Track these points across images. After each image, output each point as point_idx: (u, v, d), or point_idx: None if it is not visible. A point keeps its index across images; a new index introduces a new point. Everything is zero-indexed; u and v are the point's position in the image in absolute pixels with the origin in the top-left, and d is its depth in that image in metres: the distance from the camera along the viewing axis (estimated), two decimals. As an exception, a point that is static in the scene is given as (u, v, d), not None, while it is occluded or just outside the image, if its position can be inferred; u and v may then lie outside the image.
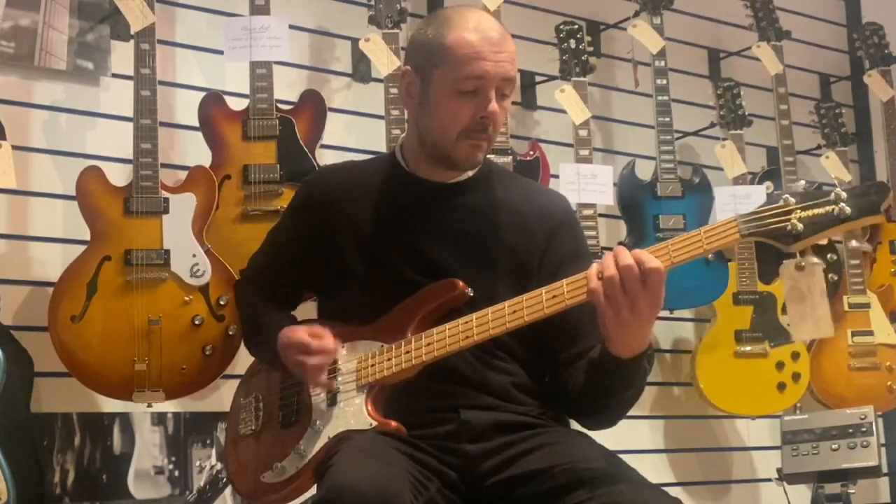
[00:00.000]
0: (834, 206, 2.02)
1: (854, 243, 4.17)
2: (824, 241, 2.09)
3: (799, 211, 2.03)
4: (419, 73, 2.33)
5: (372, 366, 2.27)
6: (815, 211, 2.03)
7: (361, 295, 2.35)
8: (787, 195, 2.05)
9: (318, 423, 2.30)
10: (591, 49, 3.82)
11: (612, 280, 2.00)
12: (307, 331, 2.32)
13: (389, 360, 2.25)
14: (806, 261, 2.08)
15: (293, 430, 2.35)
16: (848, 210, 2.01)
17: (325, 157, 3.30)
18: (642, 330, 2.05)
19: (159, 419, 3.28)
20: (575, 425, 2.39)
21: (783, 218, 2.03)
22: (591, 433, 2.32)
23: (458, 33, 2.27)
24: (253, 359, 2.64)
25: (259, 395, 2.49)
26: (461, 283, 2.25)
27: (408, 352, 2.23)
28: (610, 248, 3.80)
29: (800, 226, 2.02)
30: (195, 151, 3.28)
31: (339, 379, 2.31)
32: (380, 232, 2.35)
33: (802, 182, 2.14)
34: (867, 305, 4.19)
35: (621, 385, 2.15)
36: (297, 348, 2.30)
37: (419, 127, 2.37)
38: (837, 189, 2.03)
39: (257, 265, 2.63)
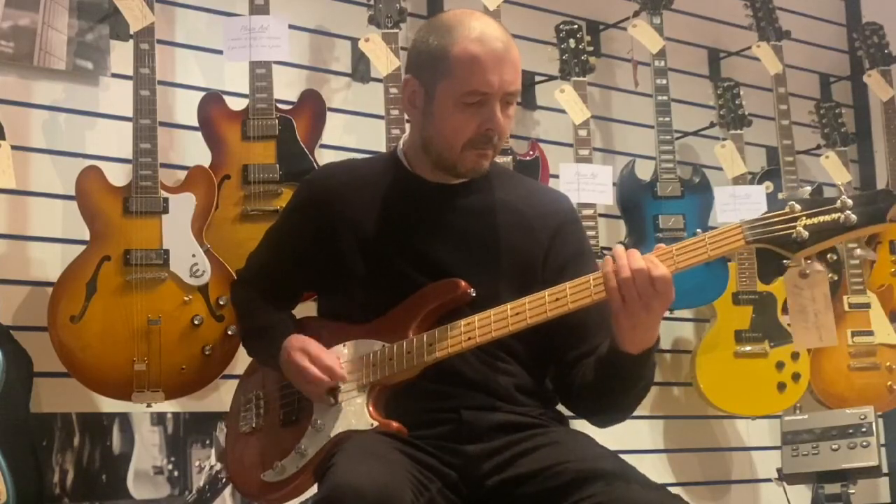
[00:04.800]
0: (840, 214, 2.01)
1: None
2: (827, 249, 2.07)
3: (805, 218, 2.02)
4: (423, 83, 2.31)
5: (374, 365, 2.26)
6: (822, 218, 2.02)
7: (362, 294, 2.34)
8: (792, 202, 2.03)
9: (319, 422, 2.30)
10: (590, 49, 3.82)
11: (627, 283, 2.02)
12: (318, 346, 2.31)
13: (391, 360, 2.24)
14: (811, 268, 2.06)
15: (294, 428, 2.35)
16: (854, 218, 2.00)
17: (324, 157, 3.30)
18: (653, 326, 2.08)
19: (159, 419, 3.28)
20: (576, 425, 2.39)
21: (789, 225, 2.02)
22: (591, 433, 2.31)
23: (463, 46, 2.24)
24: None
25: (260, 393, 2.49)
26: (464, 284, 2.24)
27: (409, 352, 2.22)
28: (611, 249, 3.84)
29: (805, 233, 2.01)
30: (195, 151, 3.28)
31: (328, 400, 2.30)
32: (382, 232, 2.35)
33: (808, 188, 2.13)
34: (867, 305, 4.19)
35: (632, 379, 2.16)
36: (310, 356, 2.29)
37: (423, 135, 2.34)
38: (844, 196, 2.01)
39: (255, 264, 2.60)
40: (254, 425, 2.47)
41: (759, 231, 2.04)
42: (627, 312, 2.04)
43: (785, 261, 2.07)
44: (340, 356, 2.31)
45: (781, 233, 2.03)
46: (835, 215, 2.01)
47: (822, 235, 2.02)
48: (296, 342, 2.34)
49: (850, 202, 2.01)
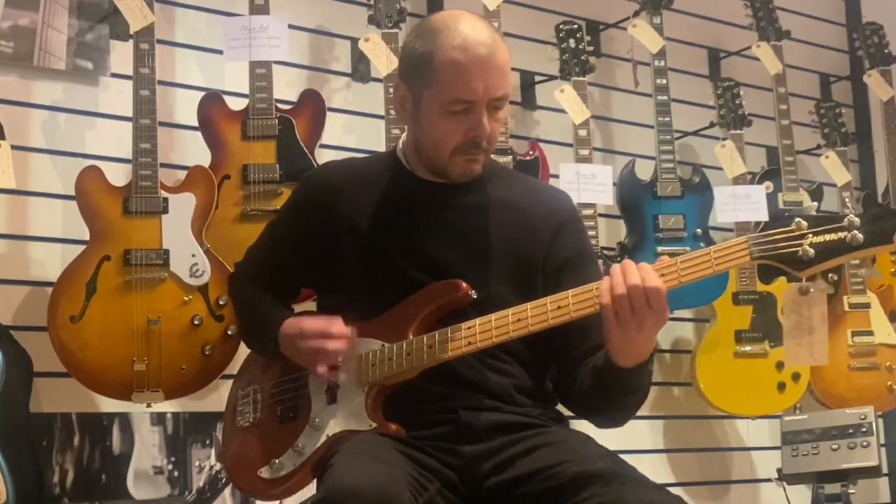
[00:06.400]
0: (847, 233, 1.99)
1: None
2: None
3: (811, 236, 2.00)
4: (410, 89, 2.30)
5: (373, 365, 2.26)
6: (828, 237, 2.00)
7: (362, 293, 2.33)
8: (799, 219, 2.02)
9: (317, 420, 2.30)
10: (590, 49, 3.82)
11: (621, 299, 2.00)
12: (319, 318, 2.31)
13: (391, 360, 2.24)
14: (815, 286, 2.05)
15: (292, 425, 2.35)
16: (861, 237, 1.98)
17: (324, 157, 3.30)
18: (646, 342, 2.07)
19: (158, 419, 3.28)
20: (576, 425, 2.39)
21: (795, 243, 2.01)
22: (591, 433, 2.31)
23: (446, 53, 2.20)
24: (250, 352, 2.62)
25: (257, 387, 2.48)
26: (465, 285, 2.23)
27: (409, 353, 2.22)
28: (611, 248, 3.86)
29: (811, 252, 2.00)
30: (194, 151, 3.28)
31: (340, 376, 2.30)
32: (381, 231, 2.34)
33: (815, 204, 2.13)
34: (867, 305, 4.19)
35: (627, 390, 2.16)
36: (315, 334, 2.28)
37: (415, 139, 2.35)
38: (851, 215, 2.00)
39: (254, 259, 2.59)
40: (251, 420, 2.46)
41: (765, 248, 2.02)
42: (620, 329, 2.02)
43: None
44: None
45: (787, 250, 2.01)
46: (841, 234, 1.99)
47: (827, 255, 2.00)
48: (294, 324, 2.34)
49: (857, 221, 1.99)
